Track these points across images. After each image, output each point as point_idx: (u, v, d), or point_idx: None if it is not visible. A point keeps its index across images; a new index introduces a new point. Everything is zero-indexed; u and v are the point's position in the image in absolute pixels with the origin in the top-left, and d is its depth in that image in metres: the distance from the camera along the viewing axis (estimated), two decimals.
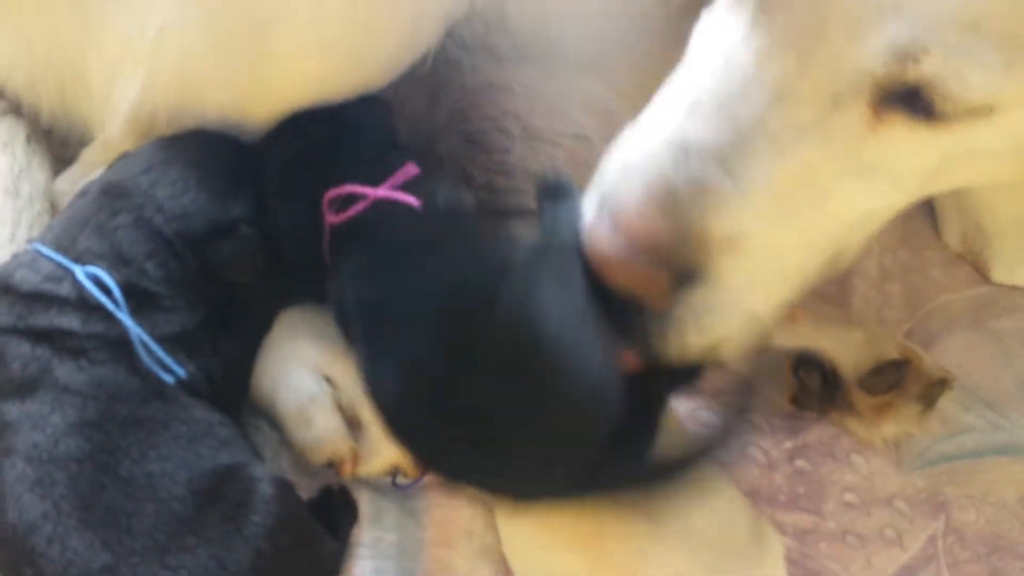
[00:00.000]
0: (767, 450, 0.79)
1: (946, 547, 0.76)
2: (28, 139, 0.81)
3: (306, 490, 0.69)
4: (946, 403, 0.81)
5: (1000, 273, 0.89)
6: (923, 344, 0.86)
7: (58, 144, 0.83)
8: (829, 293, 0.87)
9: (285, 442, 0.72)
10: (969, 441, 0.81)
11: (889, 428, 0.78)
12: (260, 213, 0.72)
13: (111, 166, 0.73)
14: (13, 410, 0.63)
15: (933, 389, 0.78)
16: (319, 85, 0.72)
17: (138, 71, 0.72)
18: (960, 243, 0.90)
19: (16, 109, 0.81)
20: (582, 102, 0.83)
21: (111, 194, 0.71)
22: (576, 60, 0.83)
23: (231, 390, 0.73)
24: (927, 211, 0.93)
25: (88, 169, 0.78)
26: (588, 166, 0.84)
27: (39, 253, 0.68)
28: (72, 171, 0.80)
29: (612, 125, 0.83)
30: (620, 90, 0.83)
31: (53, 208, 0.80)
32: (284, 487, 0.63)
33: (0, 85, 0.81)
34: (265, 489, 0.62)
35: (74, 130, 0.80)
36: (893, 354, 0.77)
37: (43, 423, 0.62)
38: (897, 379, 0.77)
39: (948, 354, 0.86)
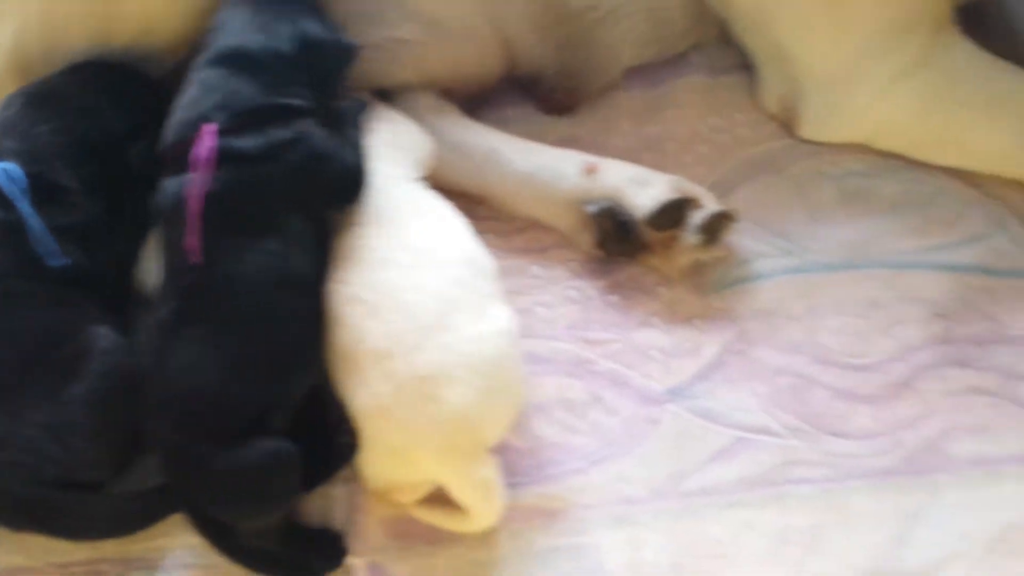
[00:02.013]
0: (582, 288, 0.92)
1: (737, 352, 0.88)
2: None
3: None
4: (741, 236, 0.94)
5: (809, 130, 0.99)
6: (726, 190, 0.98)
7: None
8: (644, 157, 0.99)
9: None
10: (762, 266, 0.93)
11: (681, 259, 0.90)
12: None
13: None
14: None
15: (715, 222, 0.89)
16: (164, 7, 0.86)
17: (10, 20, 0.86)
18: (776, 103, 1.01)
19: None
20: (405, 9, 0.96)
21: (34, 104, 0.85)
22: None
23: (118, 283, 0.87)
24: (741, 82, 1.05)
25: None
26: (406, 66, 0.98)
27: None
28: None
29: (438, 29, 0.97)
30: None
31: None
32: (119, 346, 0.78)
33: None
34: (102, 344, 0.76)
35: None
36: (673, 194, 0.89)
37: None
38: (679, 216, 0.89)
39: (748, 197, 0.98)
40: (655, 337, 0.89)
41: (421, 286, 0.78)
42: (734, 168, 1.00)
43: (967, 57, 0.95)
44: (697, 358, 0.88)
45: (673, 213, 0.88)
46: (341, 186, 0.82)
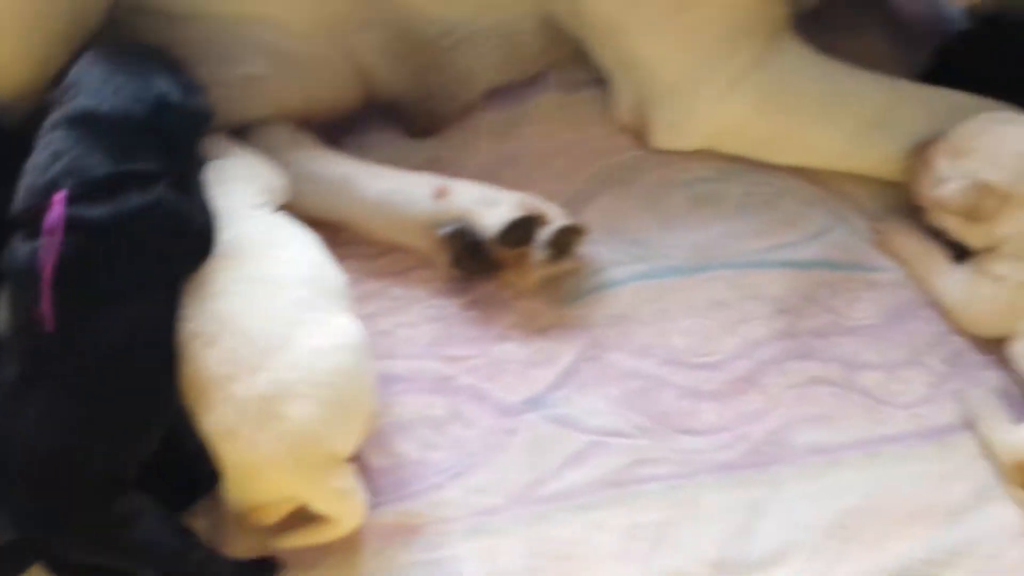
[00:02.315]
0: (442, 307, 0.95)
1: (591, 358, 0.92)
2: None
3: None
4: (595, 246, 0.97)
5: (660, 138, 1.03)
6: (582, 203, 1.01)
7: None
8: (503, 174, 1.02)
9: None
10: (616, 273, 0.96)
11: (534, 274, 0.93)
12: None
13: None
14: None
15: (562, 236, 0.92)
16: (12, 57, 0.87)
17: None
18: (629, 115, 1.05)
19: None
20: (255, 46, 0.98)
21: None
22: (244, 10, 0.97)
23: None
24: (597, 97, 1.08)
25: None
26: (260, 101, 1.00)
27: None
28: None
29: (288, 64, 0.99)
30: (293, 31, 0.99)
31: None
32: None
33: None
34: None
35: None
36: (520, 212, 0.92)
37: None
38: (527, 233, 0.91)
39: (603, 207, 1.01)
40: (513, 350, 0.92)
41: (259, 311, 0.80)
42: (589, 180, 1.03)
43: (801, 60, 0.99)
44: (553, 367, 0.91)
45: (521, 231, 0.91)
46: (193, 249, 0.84)
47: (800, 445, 0.86)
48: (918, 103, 0.97)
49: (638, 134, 1.04)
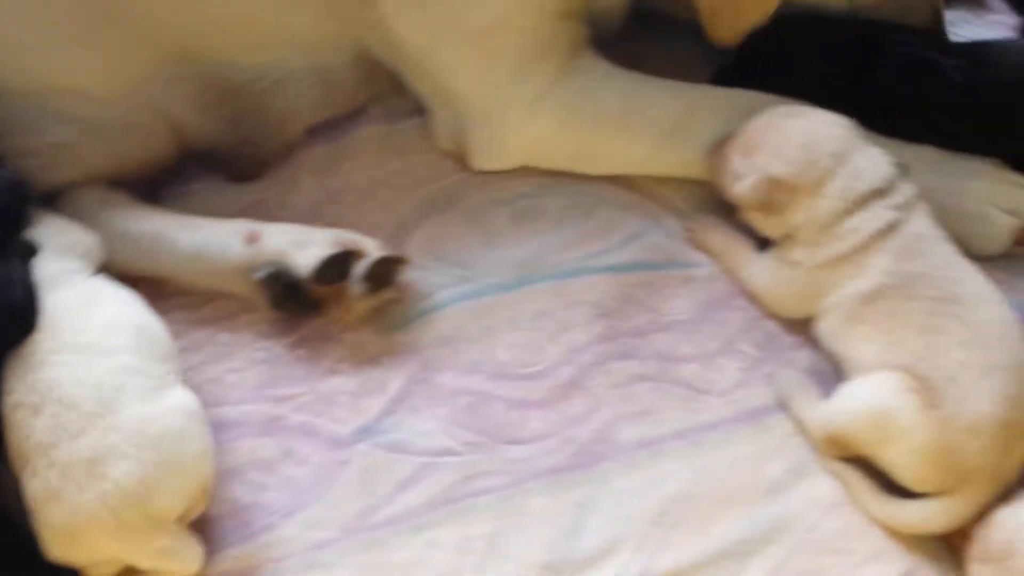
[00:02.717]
0: (270, 348, 0.96)
1: (421, 381, 0.93)
2: None
3: None
4: (421, 272, 0.99)
5: (479, 160, 1.06)
6: (408, 231, 1.03)
7: None
8: (328, 210, 1.04)
9: None
10: (442, 296, 0.99)
11: (357, 308, 0.94)
12: None
13: None
14: None
15: (379, 268, 0.94)
16: None
17: None
18: (449, 141, 1.07)
19: None
20: (60, 115, 0.98)
21: None
22: (47, 82, 0.98)
23: None
24: (418, 125, 1.10)
25: None
26: (69, 167, 1.00)
27: None
28: None
29: (95, 128, 0.99)
30: (97, 98, 0.99)
31: None
32: None
33: None
34: None
35: None
36: (334, 249, 0.93)
37: None
38: (343, 268, 0.93)
39: (428, 233, 1.03)
40: (342, 382, 0.93)
41: (83, 379, 0.80)
42: (414, 208, 1.05)
43: (600, 75, 1.04)
44: (383, 395, 0.92)
45: (336, 267, 0.92)
46: (12, 325, 0.83)
47: (624, 441, 0.89)
48: (713, 106, 1.02)
49: (460, 158, 1.07)
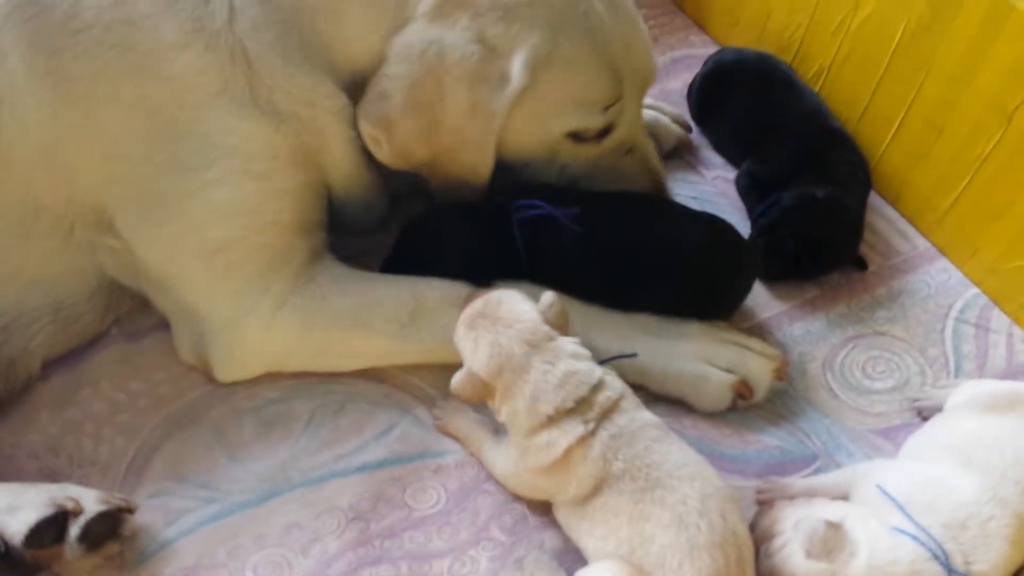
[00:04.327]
0: None
1: None
2: None
3: None
4: (165, 497, 0.96)
5: (221, 372, 1.05)
6: (150, 453, 1.00)
7: None
8: (66, 442, 1.00)
9: None
10: (185, 522, 0.95)
11: (81, 566, 0.89)
12: None
13: None
14: None
15: (97, 525, 0.89)
16: None
17: None
18: (191, 354, 1.06)
19: None
20: None
21: None
22: None
23: None
24: (161, 341, 1.08)
25: None
26: None
27: None
28: None
29: None
30: None
31: None
32: None
33: None
34: None
35: None
36: (46, 511, 0.86)
37: None
38: (58, 530, 0.88)
39: (171, 454, 1.00)
40: None
41: None
42: (156, 429, 1.02)
43: (335, 279, 1.05)
44: None
45: (49, 530, 0.88)
46: None
47: None
48: (440, 296, 1.05)
49: (203, 371, 1.06)
